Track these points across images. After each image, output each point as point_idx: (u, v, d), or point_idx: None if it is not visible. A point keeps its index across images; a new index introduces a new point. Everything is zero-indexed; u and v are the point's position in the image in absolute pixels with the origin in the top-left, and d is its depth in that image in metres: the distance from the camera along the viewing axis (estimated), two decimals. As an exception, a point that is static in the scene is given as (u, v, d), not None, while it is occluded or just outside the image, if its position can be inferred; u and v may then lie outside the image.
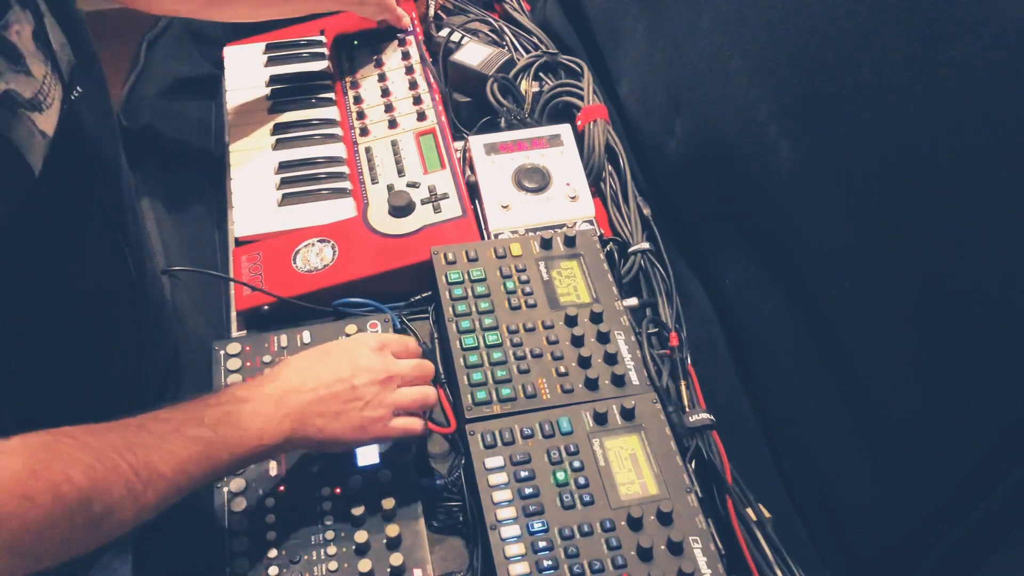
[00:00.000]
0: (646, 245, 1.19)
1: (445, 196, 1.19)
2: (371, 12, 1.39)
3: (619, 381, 0.99)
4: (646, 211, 1.25)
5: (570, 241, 1.11)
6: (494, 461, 0.92)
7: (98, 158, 0.86)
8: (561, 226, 1.18)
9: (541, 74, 1.42)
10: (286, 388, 0.85)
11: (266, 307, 1.10)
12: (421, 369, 0.94)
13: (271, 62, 1.44)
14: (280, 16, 1.40)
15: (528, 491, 0.90)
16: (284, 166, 1.27)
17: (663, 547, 0.86)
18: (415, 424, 0.91)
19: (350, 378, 0.87)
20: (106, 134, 0.90)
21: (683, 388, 1.05)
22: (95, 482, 0.69)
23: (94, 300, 0.89)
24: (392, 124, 1.32)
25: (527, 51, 1.48)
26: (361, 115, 1.34)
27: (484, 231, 1.18)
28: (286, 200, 1.22)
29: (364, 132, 1.32)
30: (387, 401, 0.88)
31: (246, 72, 1.43)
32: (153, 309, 1.04)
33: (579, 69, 1.39)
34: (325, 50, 1.46)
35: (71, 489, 0.67)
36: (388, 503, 0.91)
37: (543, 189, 1.22)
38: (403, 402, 0.90)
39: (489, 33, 1.51)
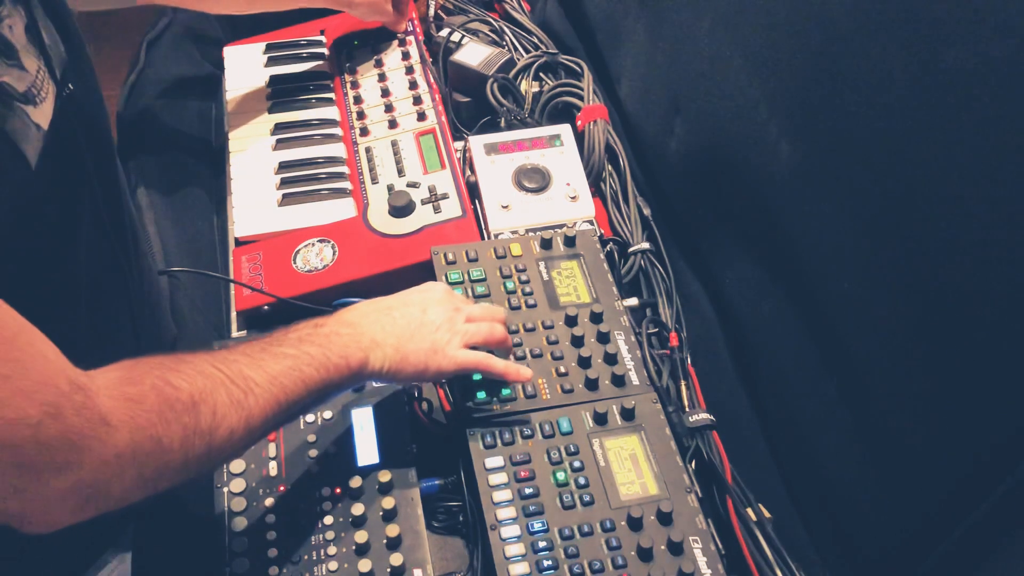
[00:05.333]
0: (646, 245, 1.19)
1: (445, 196, 1.19)
2: (362, 13, 1.39)
3: (619, 381, 0.99)
4: (646, 211, 1.25)
5: (570, 241, 1.11)
6: (494, 461, 0.92)
7: (92, 155, 0.86)
8: (561, 226, 1.18)
9: (541, 74, 1.42)
10: (360, 313, 0.89)
11: (266, 307, 1.10)
12: (489, 310, 0.97)
13: (271, 62, 1.44)
14: (270, 9, 1.39)
15: (528, 491, 0.90)
16: (284, 166, 1.27)
17: (663, 547, 0.86)
18: (480, 357, 0.92)
19: (421, 307, 0.91)
20: (99, 131, 0.90)
21: (683, 388, 1.05)
22: (195, 385, 0.71)
23: (88, 296, 0.89)
24: (392, 124, 1.32)
25: (527, 51, 1.48)
26: (361, 115, 1.34)
27: (484, 231, 1.18)
28: (286, 200, 1.22)
29: (364, 132, 1.32)
30: (456, 328, 0.91)
31: (246, 72, 1.43)
32: (150, 306, 1.04)
33: (579, 69, 1.39)
34: (325, 50, 1.46)
35: (172, 390, 0.69)
36: (388, 503, 0.91)
37: (543, 189, 1.22)
38: (471, 331, 0.92)
39: (489, 33, 1.51)
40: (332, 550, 0.89)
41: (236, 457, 0.92)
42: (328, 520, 0.91)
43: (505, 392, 0.97)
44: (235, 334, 1.12)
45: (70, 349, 0.89)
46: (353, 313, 0.89)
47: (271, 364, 0.78)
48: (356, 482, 0.93)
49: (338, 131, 1.33)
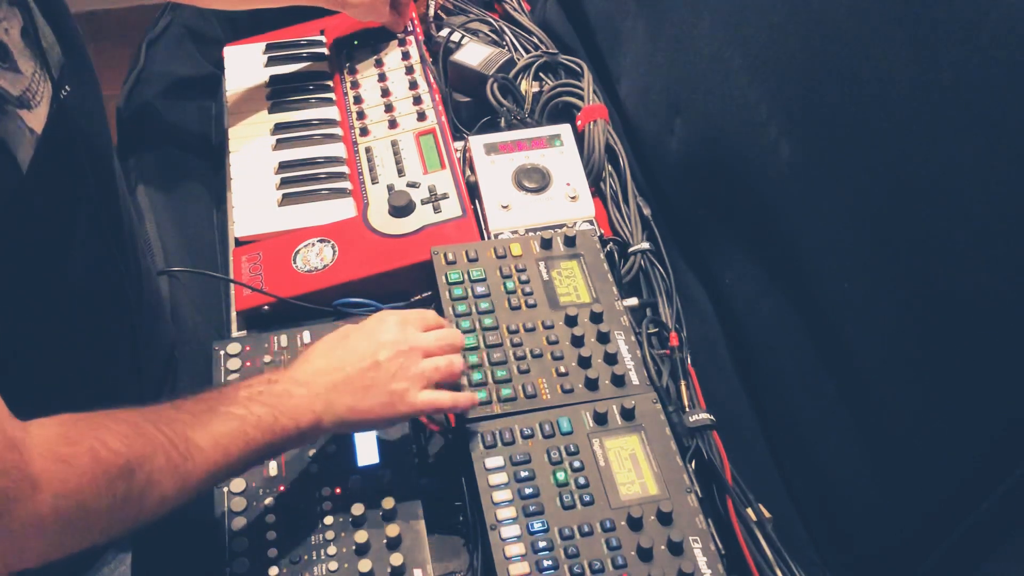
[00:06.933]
0: (646, 245, 1.19)
1: (445, 196, 1.19)
2: (358, 13, 1.39)
3: (619, 381, 0.99)
4: (646, 211, 1.25)
5: (570, 241, 1.11)
6: (494, 461, 0.92)
7: (89, 157, 0.86)
8: (561, 226, 1.18)
9: (541, 74, 1.42)
10: (313, 370, 0.86)
11: (266, 307, 1.10)
12: (445, 339, 0.93)
13: (271, 62, 1.44)
14: (265, 6, 1.39)
15: (528, 491, 0.90)
16: (284, 166, 1.27)
17: (663, 547, 0.86)
18: (442, 397, 0.90)
19: (373, 354, 0.87)
20: (98, 133, 0.90)
21: (683, 388, 1.05)
22: (133, 449, 0.69)
23: (85, 299, 0.89)
24: (392, 124, 1.32)
25: (527, 51, 1.48)
26: (361, 115, 1.34)
27: (484, 231, 1.18)
28: (286, 200, 1.22)
29: (364, 132, 1.32)
30: (412, 373, 0.88)
31: (246, 72, 1.43)
32: (148, 309, 1.04)
33: (579, 69, 1.39)
34: (325, 50, 1.46)
35: (109, 455, 0.67)
36: (388, 503, 0.91)
37: (543, 189, 1.22)
38: (428, 371, 0.89)
39: (489, 33, 1.51)
40: (332, 550, 0.89)
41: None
42: (328, 520, 0.91)
43: (505, 392, 0.97)
44: (235, 334, 1.12)
45: (66, 354, 0.89)
46: (307, 368, 0.86)
47: (216, 425, 0.77)
48: (356, 482, 0.93)
49: (338, 131, 1.33)
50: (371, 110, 1.35)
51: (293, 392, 0.83)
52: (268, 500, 0.92)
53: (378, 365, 0.87)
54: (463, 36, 1.46)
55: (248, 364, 1.02)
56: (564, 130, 1.28)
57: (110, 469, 0.67)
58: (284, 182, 1.25)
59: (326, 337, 0.91)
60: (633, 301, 1.13)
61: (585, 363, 1.00)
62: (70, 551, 0.67)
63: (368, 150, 1.29)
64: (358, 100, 1.36)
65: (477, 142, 1.26)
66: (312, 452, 0.95)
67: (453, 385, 0.93)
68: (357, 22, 1.45)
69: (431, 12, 1.54)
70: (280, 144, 1.31)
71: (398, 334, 0.90)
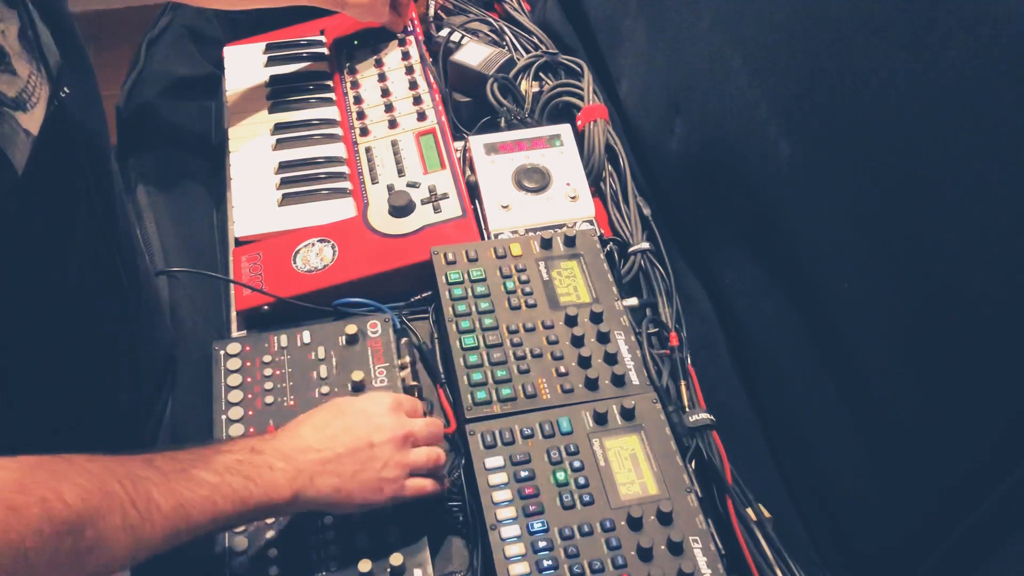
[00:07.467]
0: (646, 245, 1.19)
1: (445, 196, 1.19)
2: (357, 13, 1.39)
3: (619, 381, 0.99)
4: (646, 211, 1.25)
5: (570, 241, 1.11)
6: (494, 461, 0.92)
7: (86, 158, 0.86)
8: (561, 226, 1.18)
9: (541, 74, 1.42)
10: (302, 446, 0.84)
11: (266, 307, 1.10)
12: (433, 427, 0.93)
13: (271, 62, 1.44)
14: (264, 6, 1.40)
15: (528, 491, 0.90)
16: (284, 166, 1.27)
17: (663, 547, 0.86)
18: (429, 485, 0.90)
19: (367, 437, 0.86)
20: (95, 134, 0.90)
21: (683, 388, 1.05)
22: (89, 505, 0.66)
23: (82, 301, 0.89)
24: (392, 124, 1.32)
25: (527, 51, 1.48)
26: (361, 115, 1.34)
27: (484, 231, 1.18)
28: (286, 200, 1.22)
29: (364, 132, 1.32)
30: (404, 461, 0.88)
31: (246, 72, 1.43)
32: (146, 309, 1.04)
33: (579, 69, 1.39)
34: (325, 50, 1.46)
35: (62, 508, 0.64)
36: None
37: (543, 189, 1.22)
38: (419, 462, 0.89)
39: (489, 33, 1.51)
40: (332, 550, 0.89)
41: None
42: (328, 520, 0.91)
43: (505, 392, 0.97)
44: (235, 334, 1.12)
45: (64, 356, 0.88)
46: (295, 443, 0.84)
47: (184, 490, 0.74)
48: (356, 482, 0.93)
49: (338, 131, 1.33)
50: (371, 110, 1.35)
51: (275, 466, 0.81)
52: (268, 500, 0.92)
53: (372, 447, 0.86)
54: (463, 36, 1.46)
55: (248, 364, 1.02)
56: (564, 130, 1.28)
57: (58, 524, 0.64)
58: (284, 182, 1.25)
59: (319, 410, 0.89)
60: (633, 301, 1.13)
61: (585, 363, 1.00)
62: None
63: (368, 150, 1.29)
64: (358, 100, 1.36)
65: (477, 142, 1.26)
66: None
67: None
68: (357, 22, 1.45)
69: (431, 12, 1.54)
70: (280, 144, 1.31)
71: (393, 419, 0.89)
